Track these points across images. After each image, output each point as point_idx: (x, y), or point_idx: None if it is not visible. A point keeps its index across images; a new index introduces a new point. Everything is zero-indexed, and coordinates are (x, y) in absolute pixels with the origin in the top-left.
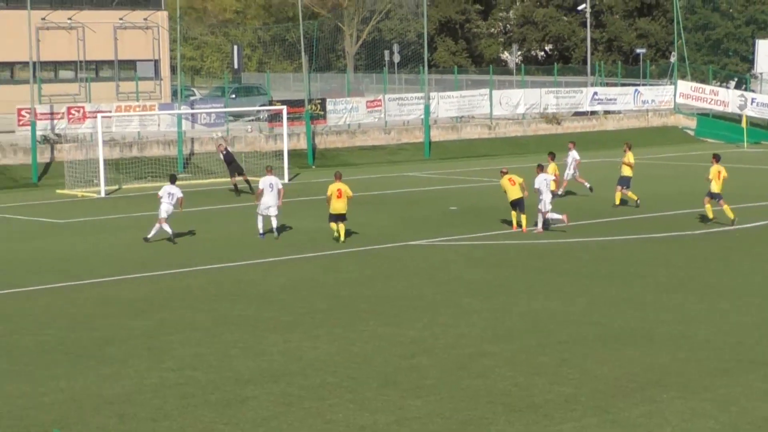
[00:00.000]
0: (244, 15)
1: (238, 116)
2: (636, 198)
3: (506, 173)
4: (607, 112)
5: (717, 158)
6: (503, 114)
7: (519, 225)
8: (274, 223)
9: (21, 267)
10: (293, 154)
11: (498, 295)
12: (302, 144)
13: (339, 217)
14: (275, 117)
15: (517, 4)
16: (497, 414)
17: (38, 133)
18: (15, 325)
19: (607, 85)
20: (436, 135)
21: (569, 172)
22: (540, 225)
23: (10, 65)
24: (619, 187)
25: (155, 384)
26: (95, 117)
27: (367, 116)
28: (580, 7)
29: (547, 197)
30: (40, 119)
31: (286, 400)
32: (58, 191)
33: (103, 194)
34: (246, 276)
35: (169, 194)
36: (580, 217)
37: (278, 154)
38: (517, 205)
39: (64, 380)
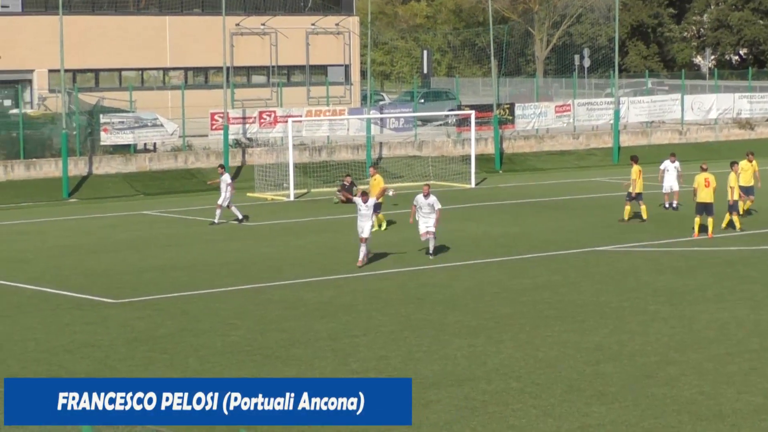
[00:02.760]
0: (434, 20)
1: (426, 121)
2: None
3: None
4: None
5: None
6: (695, 119)
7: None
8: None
9: (211, 269)
10: (480, 158)
11: (686, 302)
12: (490, 149)
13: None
14: (463, 122)
15: (712, 7)
16: (683, 423)
17: (230, 136)
18: (205, 325)
19: None
20: (626, 140)
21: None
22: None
23: (205, 70)
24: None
25: None
26: (286, 121)
27: (555, 121)
28: None
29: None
30: (233, 123)
31: (469, 405)
32: (249, 194)
33: (292, 198)
34: (432, 279)
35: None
36: None
37: (465, 158)
38: None
39: None
